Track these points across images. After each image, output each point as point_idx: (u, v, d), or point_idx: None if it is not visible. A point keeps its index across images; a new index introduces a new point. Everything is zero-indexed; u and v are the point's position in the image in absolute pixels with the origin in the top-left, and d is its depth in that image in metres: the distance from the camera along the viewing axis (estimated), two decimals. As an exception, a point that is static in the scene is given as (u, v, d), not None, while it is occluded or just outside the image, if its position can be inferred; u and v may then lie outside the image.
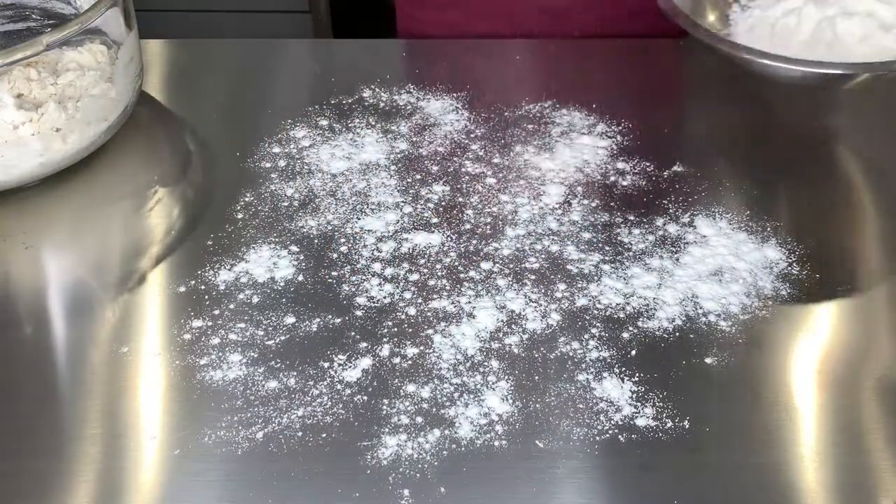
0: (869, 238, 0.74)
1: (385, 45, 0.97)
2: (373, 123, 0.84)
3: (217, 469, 0.58)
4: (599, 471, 0.58)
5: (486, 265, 0.71)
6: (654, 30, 1.01)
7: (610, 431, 0.60)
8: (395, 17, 1.06)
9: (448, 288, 0.69)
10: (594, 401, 0.61)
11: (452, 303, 0.68)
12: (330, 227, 0.74)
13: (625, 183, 0.78)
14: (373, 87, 0.89)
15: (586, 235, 0.73)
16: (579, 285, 0.69)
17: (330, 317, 0.67)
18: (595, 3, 1.00)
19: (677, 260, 0.71)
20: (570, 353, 0.64)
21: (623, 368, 0.63)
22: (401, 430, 0.60)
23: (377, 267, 0.71)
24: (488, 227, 0.74)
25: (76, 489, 0.57)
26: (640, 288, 0.69)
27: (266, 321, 0.67)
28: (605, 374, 0.63)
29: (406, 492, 0.56)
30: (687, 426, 0.60)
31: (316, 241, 0.73)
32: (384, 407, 0.61)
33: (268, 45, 0.99)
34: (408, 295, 0.69)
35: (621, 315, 0.67)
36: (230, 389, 0.62)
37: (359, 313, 0.67)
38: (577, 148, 0.82)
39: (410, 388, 0.62)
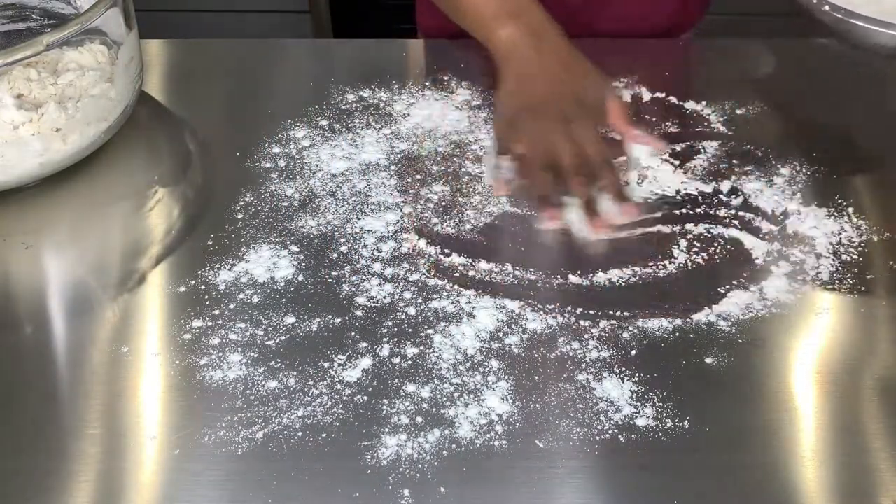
0: (869, 238, 0.74)
1: (385, 45, 0.97)
2: (373, 123, 0.84)
3: (217, 469, 0.58)
4: (599, 471, 0.58)
5: (486, 265, 0.71)
6: (660, 29, 1.02)
7: (610, 431, 0.60)
8: (395, 17, 1.06)
9: (448, 288, 0.69)
10: (594, 401, 0.61)
11: (452, 303, 0.68)
12: (330, 227, 0.74)
13: (626, 182, 0.78)
14: (373, 87, 0.89)
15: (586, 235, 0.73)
16: (580, 284, 0.69)
17: (330, 317, 0.67)
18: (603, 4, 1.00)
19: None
20: (570, 353, 0.64)
21: (623, 368, 0.63)
22: (401, 430, 0.60)
23: (377, 267, 0.71)
24: (488, 226, 0.74)
25: (76, 489, 0.57)
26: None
27: (266, 321, 0.67)
28: (605, 374, 0.63)
29: (406, 492, 0.56)
30: (687, 426, 0.60)
31: (316, 241, 0.73)
32: (384, 407, 0.61)
33: (268, 45, 0.98)
34: (408, 295, 0.69)
35: (621, 315, 0.67)
36: (230, 389, 0.62)
37: (359, 313, 0.67)
38: (577, 148, 0.82)
39: (410, 388, 0.62)
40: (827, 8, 0.80)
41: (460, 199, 0.77)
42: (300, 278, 0.70)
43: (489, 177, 0.78)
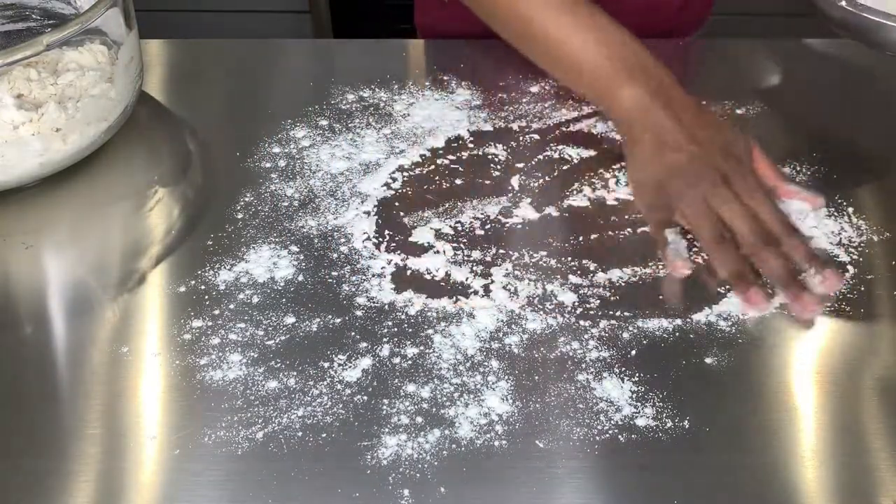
0: (869, 238, 0.74)
1: (385, 45, 0.97)
2: (373, 123, 0.84)
3: (217, 469, 0.58)
4: (599, 471, 0.58)
5: (486, 264, 0.71)
6: (666, 29, 1.01)
7: (610, 431, 0.60)
8: (395, 17, 1.06)
9: (448, 288, 0.69)
10: (594, 401, 0.61)
11: (453, 302, 0.68)
12: (330, 227, 0.74)
13: (626, 181, 0.78)
14: (373, 87, 0.89)
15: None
16: (580, 284, 0.69)
17: (330, 317, 0.67)
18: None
19: (677, 260, 0.71)
20: (570, 353, 0.64)
21: (623, 368, 0.63)
22: (401, 430, 0.60)
23: (377, 267, 0.71)
24: (488, 226, 0.74)
25: (76, 489, 0.57)
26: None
27: (266, 321, 0.67)
28: (605, 374, 0.63)
29: (406, 492, 0.56)
30: (687, 426, 0.60)
31: (316, 241, 0.73)
32: (384, 407, 0.61)
33: (268, 45, 0.98)
34: (408, 295, 0.69)
35: (621, 315, 0.67)
36: (230, 389, 0.62)
37: (359, 313, 0.67)
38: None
39: (410, 388, 0.62)
40: (843, 3, 0.79)
41: (458, 200, 0.77)
42: (300, 278, 0.70)
43: (666, 257, 0.69)
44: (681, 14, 1.03)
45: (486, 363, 0.64)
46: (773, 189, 0.72)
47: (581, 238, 0.73)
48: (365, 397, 0.62)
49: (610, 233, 0.74)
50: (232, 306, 0.68)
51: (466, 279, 0.70)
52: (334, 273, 0.70)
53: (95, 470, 0.58)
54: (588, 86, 0.75)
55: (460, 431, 0.60)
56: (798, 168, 0.80)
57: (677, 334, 0.66)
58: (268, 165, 0.80)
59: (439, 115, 0.85)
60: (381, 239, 0.73)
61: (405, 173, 0.79)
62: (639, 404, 0.61)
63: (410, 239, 0.73)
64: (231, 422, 0.60)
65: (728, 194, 0.68)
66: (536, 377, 0.63)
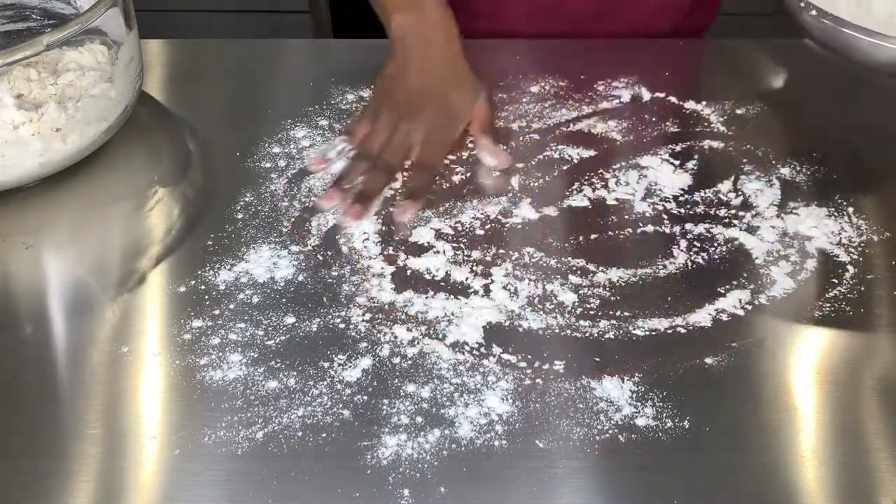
0: (869, 238, 0.74)
1: (385, 45, 0.97)
2: (373, 123, 0.84)
3: (217, 469, 0.58)
4: (599, 471, 0.58)
5: (486, 264, 0.71)
6: (673, 32, 1.01)
7: (610, 431, 0.60)
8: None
9: (448, 288, 0.69)
10: (594, 401, 0.61)
11: (453, 302, 0.68)
12: (330, 227, 0.74)
13: (626, 181, 0.78)
14: (373, 86, 0.89)
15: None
16: (580, 284, 0.69)
17: (330, 317, 0.67)
18: (613, 8, 1.00)
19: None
20: (570, 353, 0.64)
21: (623, 368, 0.63)
22: (401, 430, 0.60)
23: (377, 267, 0.71)
24: (488, 226, 0.74)
25: (76, 489, 0.57)
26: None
27: (266, 321, 0.67)
28: (605, 374, 0.63)
29: (406, 492, 0.56)
30: (687, 426, 0.60)
31: (316, 241, 0.73)
32: (384, 407, 0.61)
33: (268, 45, 0.98)
34: (408, 295, 0.69)
35: (621, 315, 0.67)
36: (230, 389, 0.62)
37: (359, 313, 0.67)
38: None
39: (410, 388, 0.62)
40: (814, 12, 0.79)
41: (458, 200, 0.77)
42: (300, 278, 0.70)
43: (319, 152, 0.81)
44: (692, 14, 1.03)
45: (486, 363, 0.64)
46: (474, 140, 0.81)
47: (581, 238, 0.73)
48: (365, 397, 0.62)
49: (610, 233, 0.74)
50: (232, 306, 0.68)
51: (466, 279, 0.70)
52: (334, 273, 0.70)
53: (95, 470, 0.58)
54: (377, 7, 0.87)
55: (460, 431, 0.60)
56: (798, 168, 0.80)
57: (677, 334, 0.66)
58: (268, 165, 0.80)
59: (439, 115, 0.85)
60: (381, 238, 0.73)
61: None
62: (639, 404, 0.61)
63: (410, 239, 0.73)
64: (231, 422, 0.60)
65: (403, 129, 0.79)
66: (536, 377, 0.63)
